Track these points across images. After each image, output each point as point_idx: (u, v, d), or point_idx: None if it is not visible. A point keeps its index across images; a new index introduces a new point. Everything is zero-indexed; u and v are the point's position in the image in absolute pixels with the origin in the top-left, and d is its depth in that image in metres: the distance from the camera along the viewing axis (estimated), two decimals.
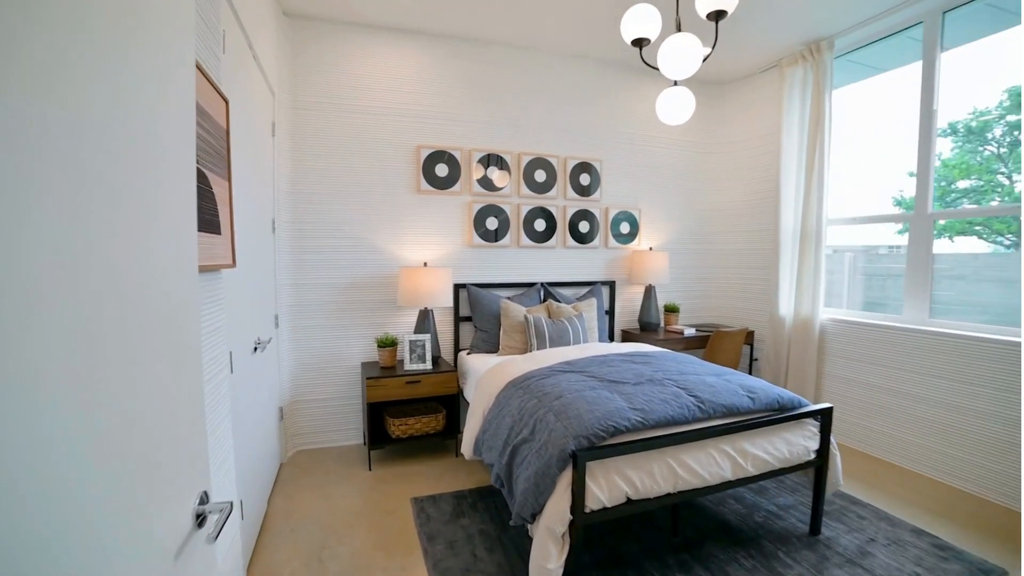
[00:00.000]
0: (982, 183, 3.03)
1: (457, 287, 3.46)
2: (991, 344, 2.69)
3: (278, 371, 2.98)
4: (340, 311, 3.25)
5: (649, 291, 3.94)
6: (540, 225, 3.71)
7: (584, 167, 3.83)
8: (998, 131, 2.95)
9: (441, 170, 3.40)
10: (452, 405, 3.17)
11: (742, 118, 4.20)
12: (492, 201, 3.54)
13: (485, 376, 2.68)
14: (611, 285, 3.98)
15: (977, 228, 3.05)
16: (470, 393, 2.91)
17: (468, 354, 3.30)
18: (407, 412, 3.28)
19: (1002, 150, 2.95)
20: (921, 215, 3.12)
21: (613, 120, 3.95)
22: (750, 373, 3.99)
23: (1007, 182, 2.92)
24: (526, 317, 3.20)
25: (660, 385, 2.20)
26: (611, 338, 3.95)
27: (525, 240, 3.66)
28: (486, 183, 3.52)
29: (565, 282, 3.82)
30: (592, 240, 3.91)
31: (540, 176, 3.69)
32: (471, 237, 3.50)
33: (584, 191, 3.85)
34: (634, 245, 4.09)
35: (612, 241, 3.98)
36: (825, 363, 3.54)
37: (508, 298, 3.48)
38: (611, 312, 3.96)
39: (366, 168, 3.25)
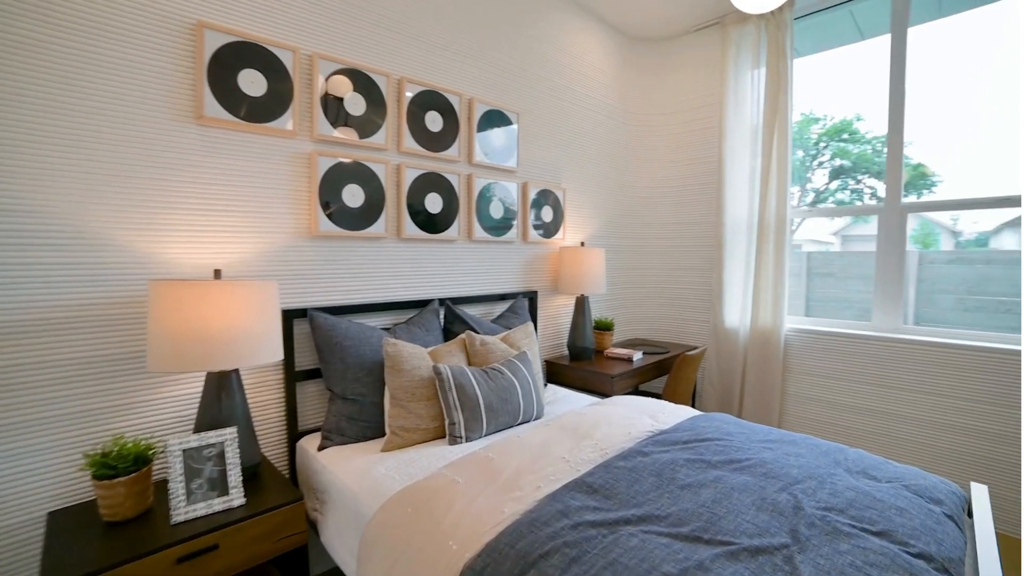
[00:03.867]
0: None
1: (290, 315, 1.79)
2: (979, 353, 2.27)
3: None
4: None
5: (582, 304, 2.81)
6: (435, 203, 2.25)
7: (497, 118, 2.50)
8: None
9: (252, 82, 1.69)
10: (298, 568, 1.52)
11: (678, 85, 3.36)
12: (355, 157, 1.96)
13: (387, 529, 1.17)
14: (532, 297, 2.73)
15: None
16: (343, 543, 1.36)
17: (323, 450, 1.68)
18: None
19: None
20: (892, 208, 2.62)
21: (536, 59, 2.71)
22: (693, 404, 3.16)
23: None
24: (437, 370, 1.73)
25: (826, 532, 1.01)
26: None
27: (411, 228, 2.16)
28: (341, 120, 1.92)
29: (474, 296, 2.44)
30: (508, 231, 2.60)
31: (434, 122, 2.23)
32: (314, 220, 1.86)
33: (498, 155, 2.52)
34: (559, 239, 2.91)
35: (532, 233, 2.74)
36: (789, 382, 2.88)
37: (389, 329, 1.96)
38: None
39: (78, 63, 1.37)
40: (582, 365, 2.66)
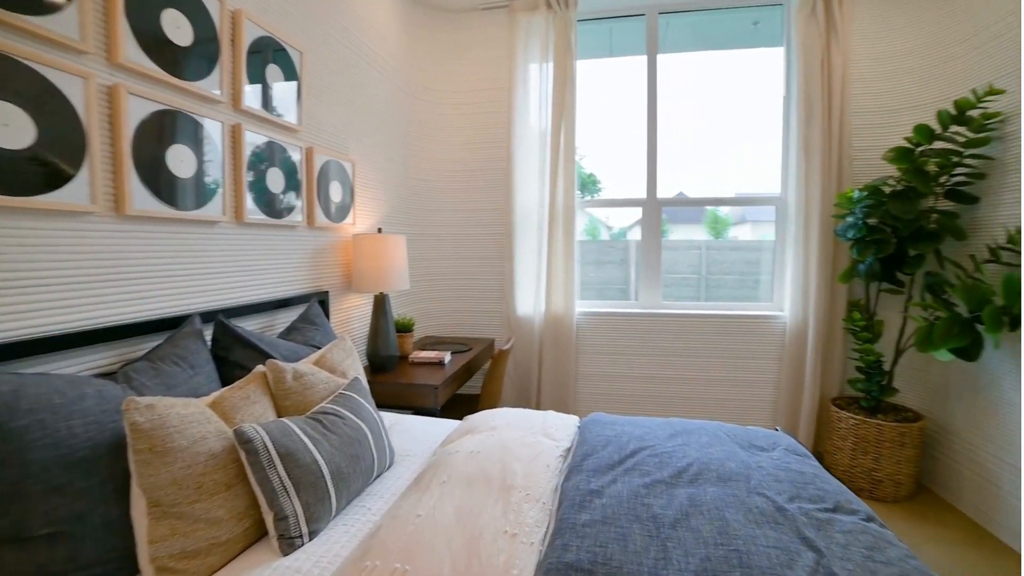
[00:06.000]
0: None
1: None
2: (732, 319, 2.89)
3: None
4: None
5: (382, 304, 2.32)
6: (183, 161, 1.40)
7: (275, 54, 1.75)
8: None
9: None
10: None
11: (470, 65, 3.11)
12: (35, 63, 1.00)
13: None
14: (323, 300, 2.09)
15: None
16: None
17: None
18: None
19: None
20: (652, 201, 3.07)
21: None
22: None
23: None
24: (242, 435, 1.03)
25: (819, 527, 0.94)
26: None
27: (141, 199, 1.29)
28: None
29: (253, 304, 1.67)
30: (291, 212, 1.89)
31: (177, 28, 1.37)
32: None
33: (275, 105, 1.77)
34: (348, 224, 2.31)
35: (320, 216, 2.08)
36: (581, 364, 3.09)
37: (115, 376, 1.11)
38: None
39: None
40: (391, 378, 2.19)
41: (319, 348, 1.70)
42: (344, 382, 1.44)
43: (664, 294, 3.11)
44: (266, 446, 1.05)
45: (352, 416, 1.29)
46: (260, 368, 1.31)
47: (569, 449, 1.40)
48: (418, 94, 3.03)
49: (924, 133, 2.22)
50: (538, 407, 3.06)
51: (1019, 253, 2.01)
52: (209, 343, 1.45)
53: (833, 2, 2.59)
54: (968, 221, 2.30)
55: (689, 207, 3.32)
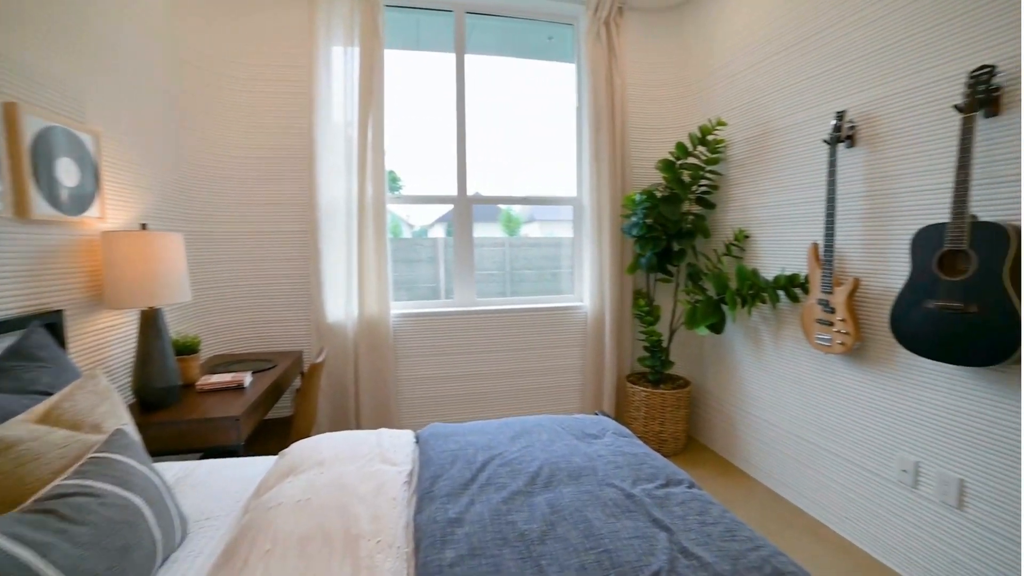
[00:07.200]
0: None
1: None
2: (549, 312, 3.10)
3: None
4: None
5: (153, 321, 1.80)
6: None
7: None
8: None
9: None
10: None
11: (258, 33, 2.62)
12: None
13: None
14: (54, 323, 1.52)
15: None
16: None
17: None
18: None
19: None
20: (463, 199, 3.10)
21: None
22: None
23: None
24: None
25: (661, 505, 1.02)
26: None
27: None
28: None
29: None
30: None
31: None
32: None
33: None
34: (92, 216, 1.72)
35: (40, 204, 1.49)
36: (400, 368, 2.94)
37: None
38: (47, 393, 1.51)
39: None
40: (172, 415, 1.73)
41: (50, 394, 1.21)
42: (98, 439, 1.05)
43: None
44: None
45: (115, 489, 0.94)
46: None
47: (412, 472, 1.29)
48: (193, 61, 2.44)
49: (682, 149, 2.70)
50: (358, 420, 2.82)
51: (743, 248, 2.62)
52: None
53: (612, 30, 2.96)
54: (712, 223, 2.89)
55: (484, 205, 3.31)
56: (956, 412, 1.63)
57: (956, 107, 1.53)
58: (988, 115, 1.51)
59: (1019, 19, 1.44)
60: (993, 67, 1.47)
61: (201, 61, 2.50)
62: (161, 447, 1.63)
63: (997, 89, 1.49)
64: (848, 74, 1.97)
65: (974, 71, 1.49)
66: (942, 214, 1.60)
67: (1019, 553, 1.46)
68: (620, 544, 0.91)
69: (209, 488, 1.30)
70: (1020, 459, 1.46)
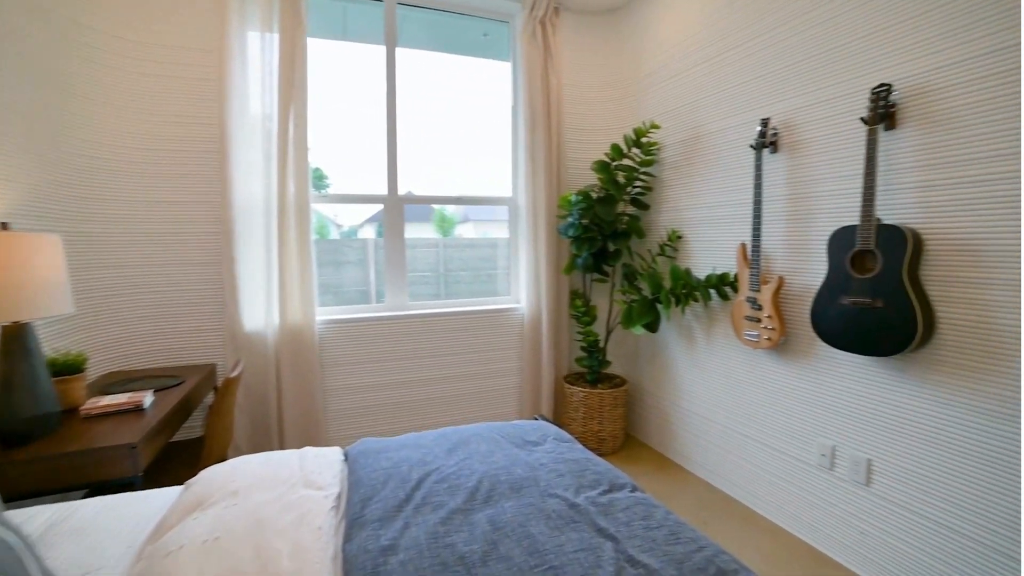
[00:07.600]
0: None
1: None
2: (485, 315, 3.03)
3: None
4: None
5: (19, 338, 1.54)
6: None
7: None
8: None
9: None
10: None
11: (169, 16, 2.34)
12: None
13: None
14: None
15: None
16: None
17: None
18: None
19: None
20: (393, 198, 2.97)
21: None
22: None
23: None
24: None
25: (605, 512, 0.98)
26: None
27: None
28: None
29: None
30: None
31: None
32: None
33: None
34: None
35: None
36: (327, 378, 2.75)
37: None
38: None
39: None
40: (48, 448, 1.48)
41: None
42: None
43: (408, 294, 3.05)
44: None
45: None
46: None
47: (340, 495, 1.17)
48: (73, 33, 2.12)
49: (616, 151, 2.73)
50: (281, 437, 2.60)
51: (676, 249, 2.70)
52: None
53: (548, 30, 2.95)
54: (646, 223, 2.96)
55: (416, 205, 3.20)
56: (867, 399, 1.76)
57: (862, 119, 1.65)
58: (887, 128, 1.65)
59: (912, 43, 1.57)
60: (890, 85, 1.59)
61: (90, 34, 2.19)
62: (32, 488, 1.39)
63: (894, 105, 1.62)
64: (770, 84, 2.07)
65: (875, 88, 1.61)
66: (854, 217, 1.71)
67: (915, 520, 1.59)
68: (565, 559, 0.87)
69: (93, 533, 1.11)
70: (925, 440, 1.59)
